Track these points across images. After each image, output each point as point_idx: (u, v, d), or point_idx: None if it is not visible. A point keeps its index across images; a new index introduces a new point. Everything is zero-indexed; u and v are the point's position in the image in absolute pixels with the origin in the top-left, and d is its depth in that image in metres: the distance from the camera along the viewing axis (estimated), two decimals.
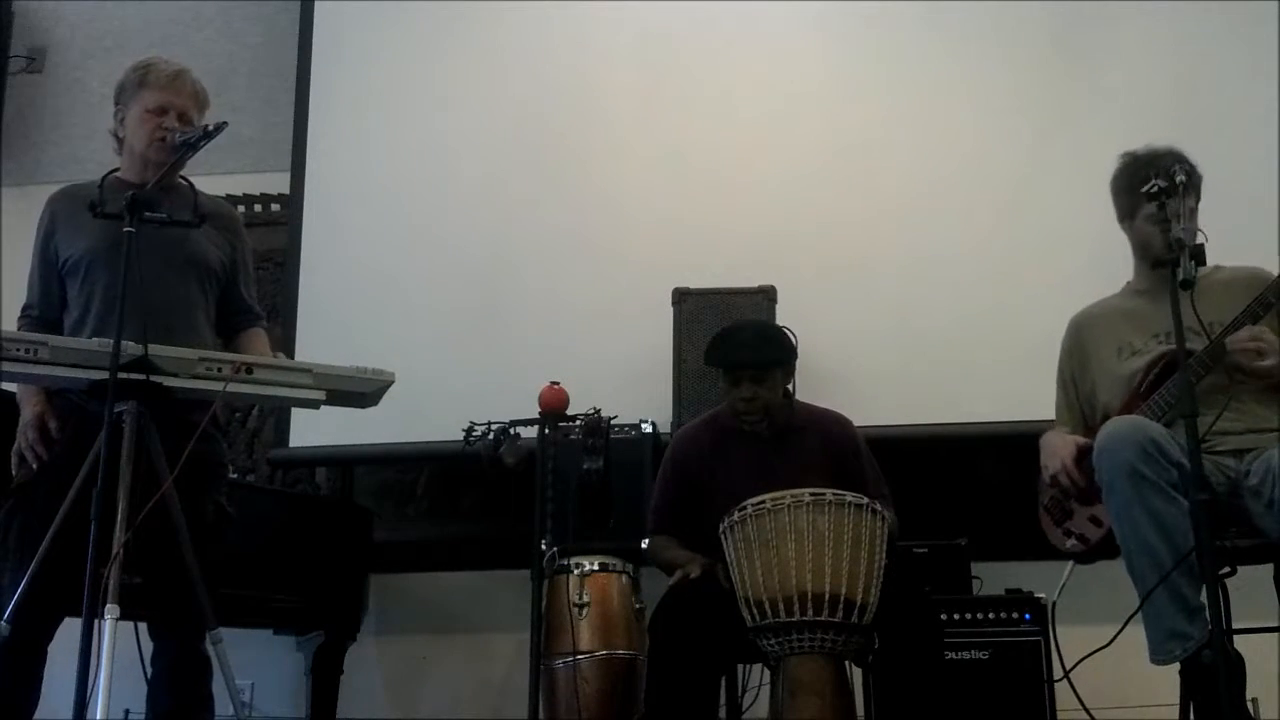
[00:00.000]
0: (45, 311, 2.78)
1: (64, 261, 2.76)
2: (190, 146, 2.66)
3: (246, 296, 2.96)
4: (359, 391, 2.67)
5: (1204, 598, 2.49)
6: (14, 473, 2.70)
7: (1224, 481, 2.57)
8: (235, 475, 3.60)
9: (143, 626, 2.44)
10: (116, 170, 2.79)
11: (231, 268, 2.91)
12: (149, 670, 2.59)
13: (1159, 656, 2.50)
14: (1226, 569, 2.54)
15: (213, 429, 2.80)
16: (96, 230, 2.62)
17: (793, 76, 4.32)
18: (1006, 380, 3.90)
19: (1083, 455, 2.73)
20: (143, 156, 2.78)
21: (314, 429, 4.11)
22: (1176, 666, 2.52)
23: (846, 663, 2.68)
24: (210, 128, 2.63)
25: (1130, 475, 2.49)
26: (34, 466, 2.65)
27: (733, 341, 3.01)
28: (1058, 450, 2.83)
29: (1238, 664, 2.39)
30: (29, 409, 2.68)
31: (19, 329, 2.72)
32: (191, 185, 2.78)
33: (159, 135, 2.74)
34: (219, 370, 2.53)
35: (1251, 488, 2.53)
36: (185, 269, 2.79)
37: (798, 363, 3.15)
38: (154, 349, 2.46)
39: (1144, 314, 2.83)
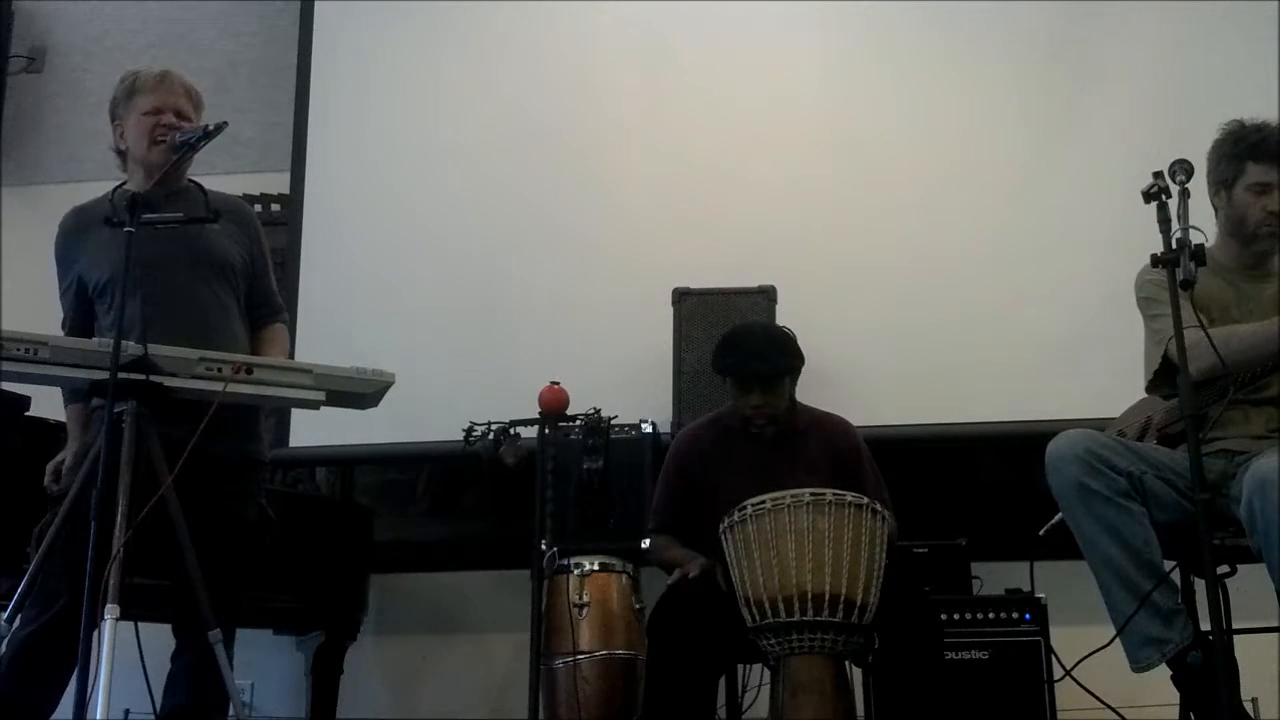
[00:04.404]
0: (75, 332, 2.76)
1: (93, 286, 2.74)
2: (190, 146, 2.65)
3: (268, 290, 2.97)
4: (359, 392, 2.67)
5: (1183, 600, 2.52)
6: (49, 485, 2.72)
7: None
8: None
9: (143, 626, 2.44)
10: (124, 184, 2.78)
11: (251, 263, 2.90)
12: (152, 669, 2.60)
13: (1137, 664, 2.51)
14: (1227, 569, 2.55)
15: (258, 430, 2.85)
16: (118, 248, 2.52)
17: (793, 76, 4.32)
18: (1006, 380, 3.91)
19: None
20: (145, 161, 2.76)
21: (314, 429, 4.10)
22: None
23: (846, 663, 2.68)
24: (210, 127, 2.63)
25: (1078, 490, 2.52)
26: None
27: (743, 350, 2.98)
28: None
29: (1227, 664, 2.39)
30: (77, 443, 2.71)
31: None
32: (201, 186, 2.82)
33: (159, 136, 2.73)
34: (219, 370, 2.53)
35: (1234, 495, 2.52)
36: (211, 273, 2.80)
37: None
38: (154, 349, 2.46)
39: (1221, 297, 2.73)
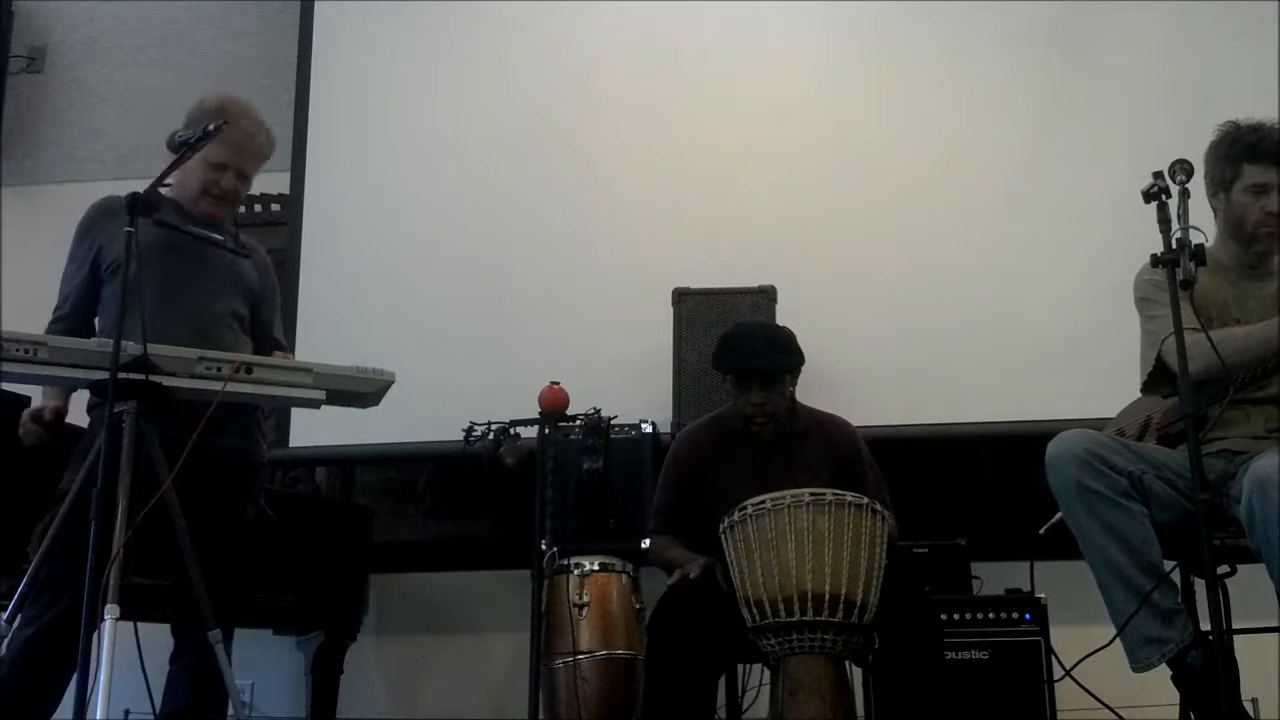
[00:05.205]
0: (76, 312, 2.79)
1: (107, 264, 2.77)
2: (189, 146, 2.66)
3: (273, 329, 3.02)
4: (359, 391, 2.67)
5: (1183, 600, 2.52)
6: (23, 427, 2.74)
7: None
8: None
9: (143, 626, 2.44)
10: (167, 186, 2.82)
11: (259, 298, 2.96)
12: (151, 669, 2.59)
13: (1137, 664, 2.52)
14: (1226, 569, 2.55)
15: (256, 430, 2.87)
16: (143, 235, 2.55)
17: (793, 77, 4.32)
18: (1006, 380, 3.91)
19: None
20: (193, 207, 2.83)
21: (314, 429, 4.11)
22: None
23: (846, 663, 2.68)
24: (210, 128, 2.64)
25: (1078, 490, 2.52)
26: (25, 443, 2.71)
27: (743, 348, 2.98)
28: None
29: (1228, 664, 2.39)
30: (56, 400, 2.73)
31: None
32: (236, 223, 2.93)
33: (214, 190, 2.81)
34: (219, 370, 2.54)
35: (1234, 495, 2.52)
36: (230, 285, 2.86)
37: None
38: (154, 348, 2.46)
39: (1220, 296, 2.74)
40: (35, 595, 2.49)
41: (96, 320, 2.80)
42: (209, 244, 2.79)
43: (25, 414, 2.75)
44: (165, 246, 2.69)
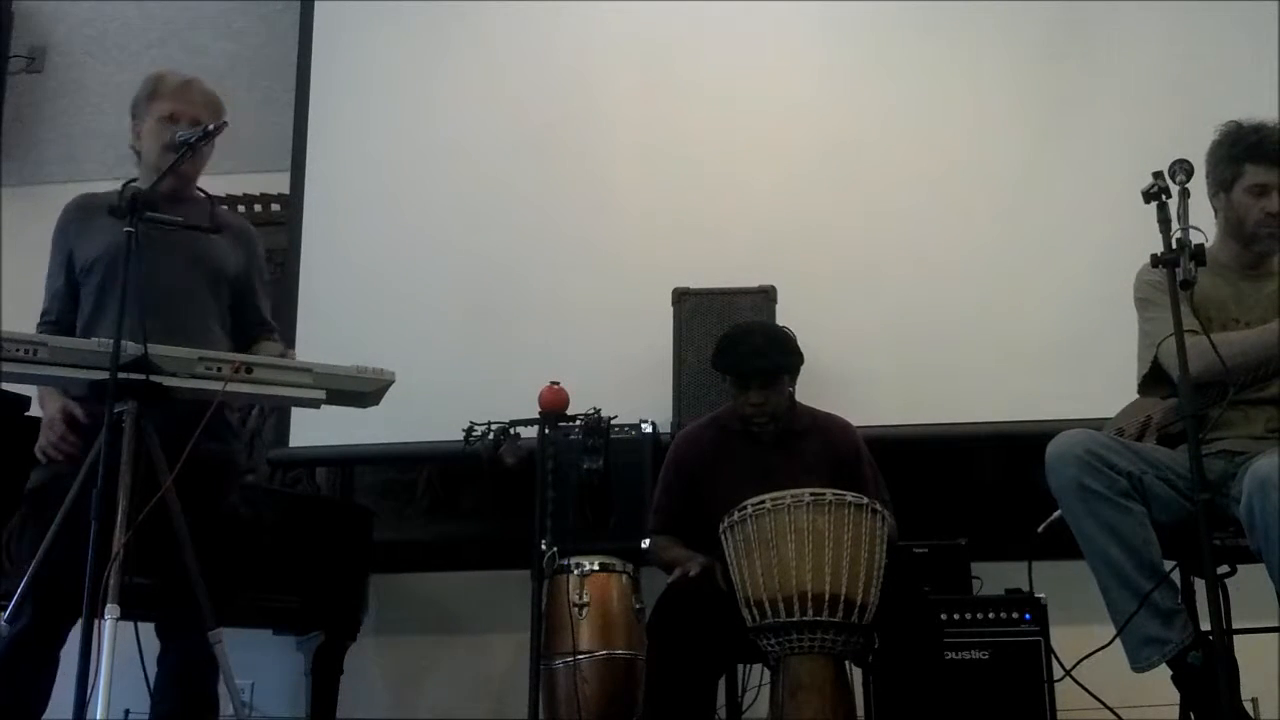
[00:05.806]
0: (62, 317, 2.79)
1: (80, 265, 2.77)
2: (189, 145, 2.66)
3: (258, 308, 2.98)
4: (359, 391, 2.67)
5: (1183, 600, 2.52)
6: (30, 480, 2.71)
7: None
8: (251, 478, 3.61)
9: (143, 626, 2.44)
10: (135, 180, 2.80)
11: (246, 279, 2.92)
12: (151, 669, 2.60)
13: (1137, 664, 2.52)
14: (1226, 569, 2.55)
15: (228, 430, 2.85)
16: (114, 234, 2.57)
17: (793, 77, 4.32)
18: (1006, 380, 3.91)
19: None
20: (156, 166, 2.78)
21: (314, 429, 4.11)
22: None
23: (846, 663, 2.68)
24: (210, 127, 2.65)
25: (1078, 491, 2.53)
26: (59, 460, 2.62)
27: (743, 347, 2.99)
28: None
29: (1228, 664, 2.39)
30: (51, 406, 2.67)
31: None
32: (210, 197, 2.86)
33: (169, 143, 2.75)
34: (219, 370, 2.53)
35: (1234, 495, 2.53)
36: (202, 276, 2.82)
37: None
38: (154, 349, 2.46)
39: (1219, 296, 2.75)
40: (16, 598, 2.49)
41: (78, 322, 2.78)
42: (181, 229, 2.71)
43: (55, 425, 2.65)
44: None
